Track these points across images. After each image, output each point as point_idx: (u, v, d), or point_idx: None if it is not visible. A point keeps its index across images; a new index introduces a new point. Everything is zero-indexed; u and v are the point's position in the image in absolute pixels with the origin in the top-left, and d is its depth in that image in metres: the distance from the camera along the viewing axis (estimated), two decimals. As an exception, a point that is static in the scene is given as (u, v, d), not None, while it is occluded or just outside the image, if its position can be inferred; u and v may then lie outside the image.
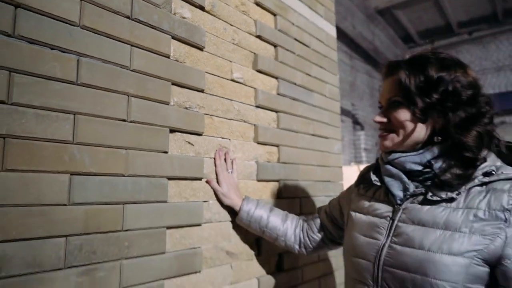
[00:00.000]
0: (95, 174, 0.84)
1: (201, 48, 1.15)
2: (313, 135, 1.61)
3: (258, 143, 1.32)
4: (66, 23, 0.82)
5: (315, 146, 1.62)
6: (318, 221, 1.16)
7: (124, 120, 0.91)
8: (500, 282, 0.71)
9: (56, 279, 0.75)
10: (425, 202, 0.81)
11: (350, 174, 2.49)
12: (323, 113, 1.69)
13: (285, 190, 1.41)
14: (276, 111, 1.42)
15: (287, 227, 1.15)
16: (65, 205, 0.78)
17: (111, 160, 0.87)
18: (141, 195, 0.92)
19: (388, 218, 0.85)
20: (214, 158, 1.14)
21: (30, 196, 0.73)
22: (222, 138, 1.19)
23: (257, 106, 1.34)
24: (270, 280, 1.29)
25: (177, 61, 1.07)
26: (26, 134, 0.73)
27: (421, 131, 0.83)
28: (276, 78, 1.44)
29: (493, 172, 0.76)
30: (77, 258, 0.79)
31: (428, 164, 0.81)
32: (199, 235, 1.07)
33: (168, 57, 1.04)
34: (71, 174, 0.79)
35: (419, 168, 0.82)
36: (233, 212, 1.16)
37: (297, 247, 1.16)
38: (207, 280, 1.08)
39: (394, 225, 0.83)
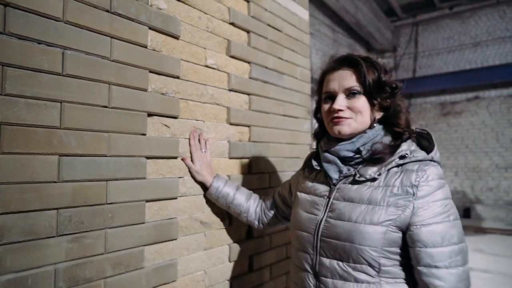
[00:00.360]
0: (81, 155, 0.95)
1: (176, 37, 1.24)
2: (283, 115, 1.74)
3: (231, 124, 1.45)
4: (51, 19, 0.91)
5: (286, 126, 1.75)
6: (272, 200, 1.33)
7: (105, 107, 1.01)
8: (408, 244, 0.88)
9: (50, 245, 0.88)
10: (354, 182, 0.97)
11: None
12: (294, 95, 1.82)
13: (255, 166, 1.55)
14: (248, 94, 1.54)
15: (250, 205, 1.31)
16: (55, 182, 0.90)
17: (94, 142, 0.98)
18: (122, 172, 1.05)
19: (326, 197, 1.02)
20: (189, 139, 1.27)
21: (25, 175, 0.84)
22: (196, 120, 1.31)
23: (230, 90, 1.45)
24: (241, 246, 1.46)
25: (154, 50, 1.16)
26: (19, 121, 0.84)
27: (371, 119, 0.99)
28: (249, 62, 1.55)
29: (406, 155, 0.93)
30: (67, 227, 0.92)
31: (357, 151, 0.97)
32: (175, 207, 1.21)
33: (145, 47, 1.13)
34: (59, 155, 0.91)
35: (351, 154, 0.99)
36: (205, 187, 1.30)
37: (256, 223, 1.33)
38: (183, 246, 1.23)
39: (330, 202, 0.99)
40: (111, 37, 1.04)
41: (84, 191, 0.96)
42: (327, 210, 0.99)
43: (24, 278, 0.83)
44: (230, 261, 1.41)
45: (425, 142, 1.01)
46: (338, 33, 7.98)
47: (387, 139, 0.99)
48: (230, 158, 1.44)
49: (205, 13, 1.36)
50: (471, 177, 8.33)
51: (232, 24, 1.48)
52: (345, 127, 0.98)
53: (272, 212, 1.31)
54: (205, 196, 1.32)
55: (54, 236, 0.89)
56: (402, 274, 0.90)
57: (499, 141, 8.06)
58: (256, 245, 1.54)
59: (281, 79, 1.73)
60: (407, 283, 0.91)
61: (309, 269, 1.00)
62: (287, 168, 1.74)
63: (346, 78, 0.99)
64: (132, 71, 1.09)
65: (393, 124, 0.99)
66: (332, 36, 7.77)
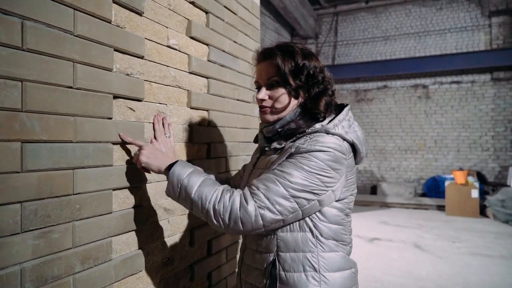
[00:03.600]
0: (45, 141, 0.85)
1: (140, 13, 1.15)
2: (237, 100, 1.74)
3: (191, 108, 1.41)
4: (8, -18, 0.77)
5: (239, 110, 1.76)
6: (233, 183, 1.35)
7: (70, 87, 0.91)
8: None
9: (14, 243, 0.78)
10: (265, 154, 1.10)
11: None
12: (246, 79, 1.82)
13: (214, 151, 1.54)
14: (207, 77, 1.51)
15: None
16: (19, 172, 0.79)
17: (60, 127, 0.88)
18: (89, 160, 0.96)
19: (252, 167, 1.15)
20: (153, 123, 1.20)
21: (-16, 165, 0.73)
22: (160, 103, 1.24)
23: (190, 73, 1.40)
24: (201, 231, 1.45)
25: (118, 26, 1.07)
26: (-24, 102, 0.71)
27: (292, 105, 1.06)
28: (207, 45, 1.51)
29: (306, 130, 1.01)
30: (32, 222, 0.82)
31: (276, 131, 1.07)
32: (141, 194, 1.15)
33: (109, 22, 1.03)
34: (22, 142, 0.80)
35: (271, 135, 1.09)
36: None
37: None
38: (148, 234, 1.18)
39: (252, 171, 1.13)
40: (74, 9, 0.93)
41: (50, 181, 0.86)
42: (249, 178, 1.10)
43: (-12, 281, 0.73)
44: (191, 246, 1.40)
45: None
46: (266, 16, 8.07)
47: (303, 120, 1.05)
48: (191, 143, 1.41)
49: (167, -11, 1.28)
50: (378, 158, 9.28)
51: (192, 3, 1.42)
52: (268, 116, 1.08)
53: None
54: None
55: (18, 233, 0.79)
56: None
57: (401, 126, 9.08)
58: (214, 229, 1.54)
59: (236, 63, 1.72)
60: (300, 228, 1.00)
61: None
62: (241, 152, 1.76)
63: (265, 71, 1.07)
64: (97, 48, 0.99)
65: (311, 107, 1.04)
66: (260, 18, 7.83)
